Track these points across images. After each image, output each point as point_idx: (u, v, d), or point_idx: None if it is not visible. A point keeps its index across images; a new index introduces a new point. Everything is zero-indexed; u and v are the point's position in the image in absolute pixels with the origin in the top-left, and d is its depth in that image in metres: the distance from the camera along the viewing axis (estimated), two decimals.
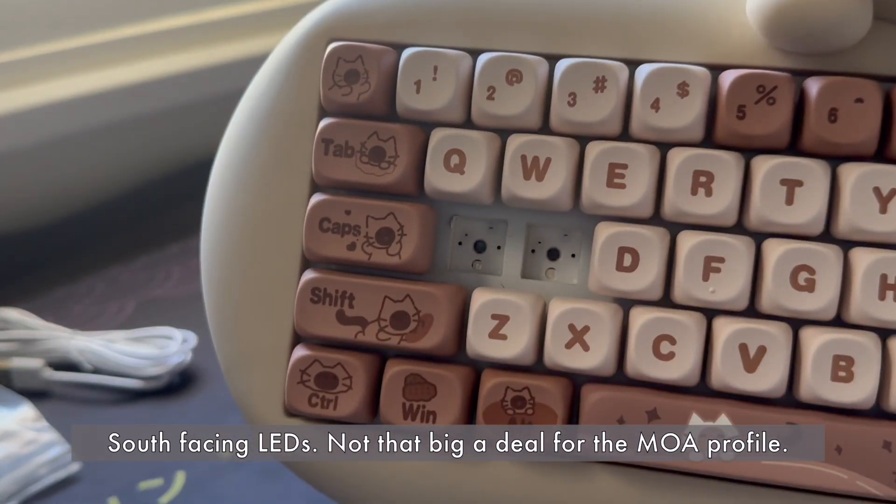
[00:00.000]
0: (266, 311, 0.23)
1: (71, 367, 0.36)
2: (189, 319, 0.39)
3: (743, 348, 0.20)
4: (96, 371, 0.36)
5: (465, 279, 0.22)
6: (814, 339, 0.20)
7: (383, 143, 0.21)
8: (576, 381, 0.21)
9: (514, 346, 0.21)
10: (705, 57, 0.21)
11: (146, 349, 0.36)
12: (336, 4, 0.23)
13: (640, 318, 0.20)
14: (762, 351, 0.20)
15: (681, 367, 0.20)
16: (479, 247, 0.22)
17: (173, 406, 0.35)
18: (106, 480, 0.31)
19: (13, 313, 0.38)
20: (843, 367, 0.19)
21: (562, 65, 0.21)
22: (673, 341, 0.20)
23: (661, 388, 0.21)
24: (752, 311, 0.20)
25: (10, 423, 0.32)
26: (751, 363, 0.20)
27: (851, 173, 0.19)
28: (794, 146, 0.20)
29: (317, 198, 0.22)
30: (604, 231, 0.20)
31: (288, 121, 0.23)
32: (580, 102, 0.20)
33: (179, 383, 0.36)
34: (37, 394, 0.35)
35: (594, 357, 0.20)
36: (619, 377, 0.21)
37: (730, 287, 0.20)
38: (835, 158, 0.20)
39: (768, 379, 0.20)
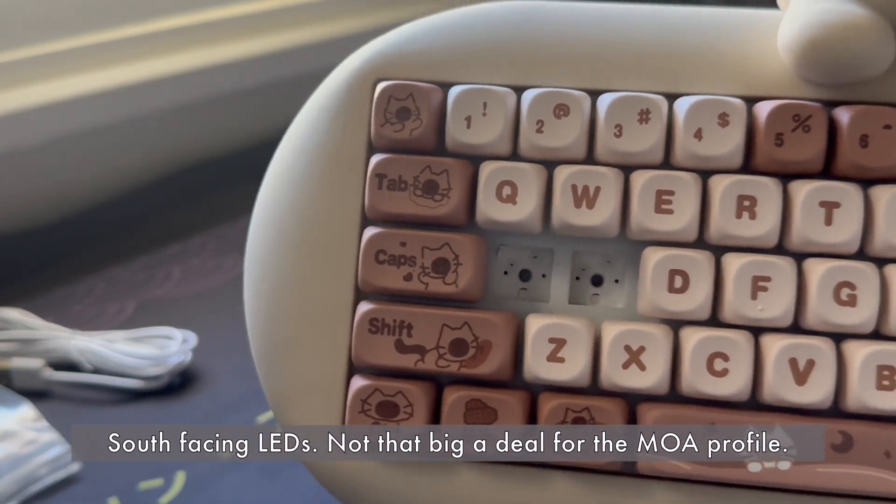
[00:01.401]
0: (319, 343, 0.23)
1: (71, 367, 0.36)
2: (189, 319, 0.39)
3: (793, 363, 0.21)
4: (96, 371, 0.36)
5: (513, 307, 0.23)
6: (858, 352, 0.20)
7: (436, 177, 0.22)
8: (630, 401, 0.22)
9: (573, 368, 0.21)
10: (740, 89, 0.22)
11: (146, 349, 0.36)
12: (381, 46, 0.24)
13: (694, 337, 0.21)
14: (811, 364, 0.21)
15: (735, 383, 0.21)
16: (524, 276, 0.23)
17: (173, 406, 0.35)
18: (106, 480, 0.31)
19: (13, 313, 0.38)
20: (886, 377, 0.20)
21: (607, 98, 0.22)
22: (726, 358, 0.21)
23: (714, 405, 0.21)
24: (794, 327, 0.21)
25: (10, 423, 0.32)
26: (801, 376, 0.21)
27: (884, 195, 0.21)
28: (826, 171, 0.21)
29: (372, 231, 0.23)
30: (654, 255, 0.21)
31: (337, 157, 0.23)
32: (626, 134, 0.22)
33: (179, 383, 0.36)
34: (37, 394, 0.35)
35: (651, 376, 0.21)
36: (671, 395, 0.22)
37: (777, 304, 0.21)
38: (866, 181, 0.21)
39: (818, 391, 0.21)
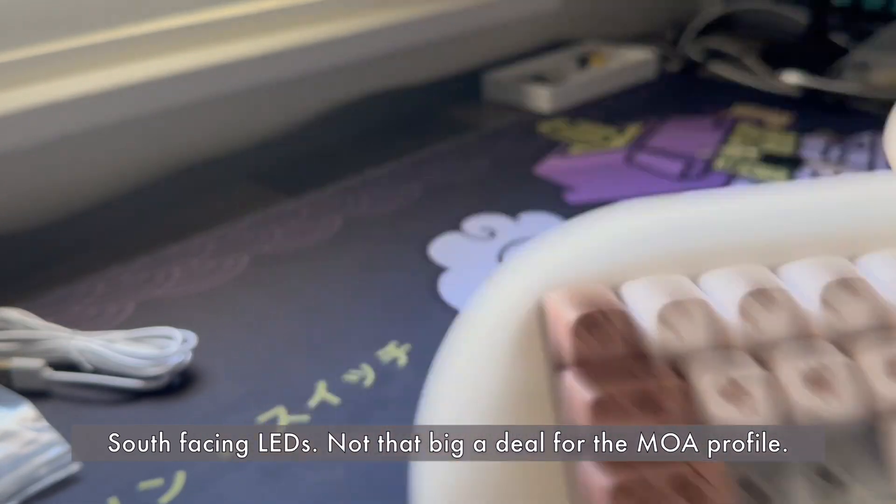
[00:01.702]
0: None
1: (71, 367, 0.36)
2: (189, 319, 0.39)
3: None
4: (96, 371, 0.36)
5: None
6: None
7: (652, 392, 0.21)
8: None
9: None
10: None
11: (146, 349, 0.36)
12: (542, 263, 0.23)
13: None
14: None
15: None
16: (752, 483, 0.21)
17: (173, 406, 0.35)
18: (106, 480, 0.31)
19: (13, 313, 0.38)
20: None
21: (814, 278, 0.21)
22: None
23: None
24: None
25: (10, 423, 0.32)
26: None
27: None
28: None
29: (603, 474, 0.20)
30: None
31: (524, 380, 0.22)
32: (842, 310, 0.21)
33: (179, 383, 0.36)
34: (37, 394, 0.35)
35: None
36: None
37: None
38: None
39: None
